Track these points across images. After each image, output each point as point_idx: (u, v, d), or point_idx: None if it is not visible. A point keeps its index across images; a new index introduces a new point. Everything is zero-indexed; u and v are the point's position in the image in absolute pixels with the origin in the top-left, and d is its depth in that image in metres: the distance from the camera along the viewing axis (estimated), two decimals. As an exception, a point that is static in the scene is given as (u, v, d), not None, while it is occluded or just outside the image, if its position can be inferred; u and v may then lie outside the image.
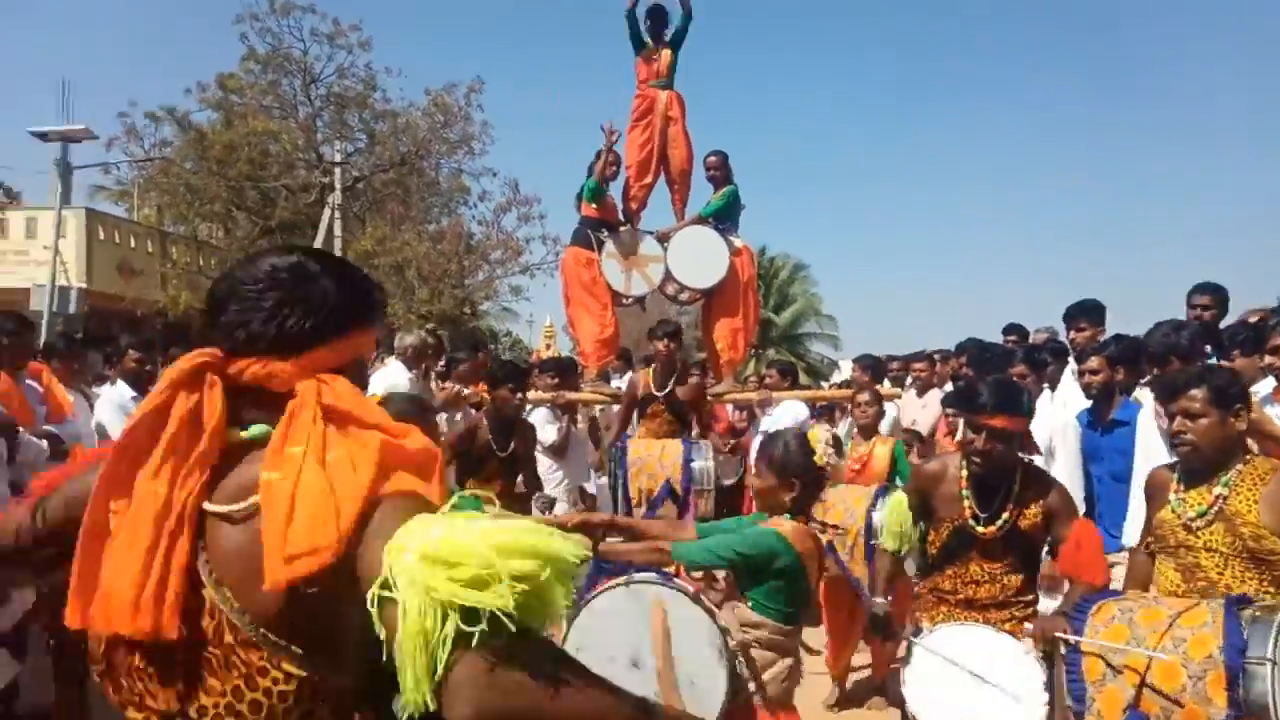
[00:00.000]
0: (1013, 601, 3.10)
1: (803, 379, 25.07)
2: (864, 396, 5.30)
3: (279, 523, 1.00)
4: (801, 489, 2.83)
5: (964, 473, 3.13)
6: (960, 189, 74.71)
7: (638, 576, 2.64)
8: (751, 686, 2.68)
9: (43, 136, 15.39)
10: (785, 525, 2.79)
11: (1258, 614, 2.28)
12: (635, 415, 6.00)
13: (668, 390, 5.73)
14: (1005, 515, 3.05)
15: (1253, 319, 4.38)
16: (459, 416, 5.72)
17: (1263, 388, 3.53)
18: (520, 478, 5.21)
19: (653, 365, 5.91)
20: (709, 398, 6.89)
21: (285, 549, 0.98)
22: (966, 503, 3.10)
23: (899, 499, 3.47)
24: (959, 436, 3.22)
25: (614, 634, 2.52)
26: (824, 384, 13.71)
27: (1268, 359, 3.52)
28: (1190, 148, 76.85)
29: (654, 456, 5.22)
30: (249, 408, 1.14)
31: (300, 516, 0.99)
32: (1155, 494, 2.88)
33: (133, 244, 21.07)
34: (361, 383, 1.25)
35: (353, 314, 1.20)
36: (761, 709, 2.70)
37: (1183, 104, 79.52)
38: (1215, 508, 2.61)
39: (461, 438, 4.99)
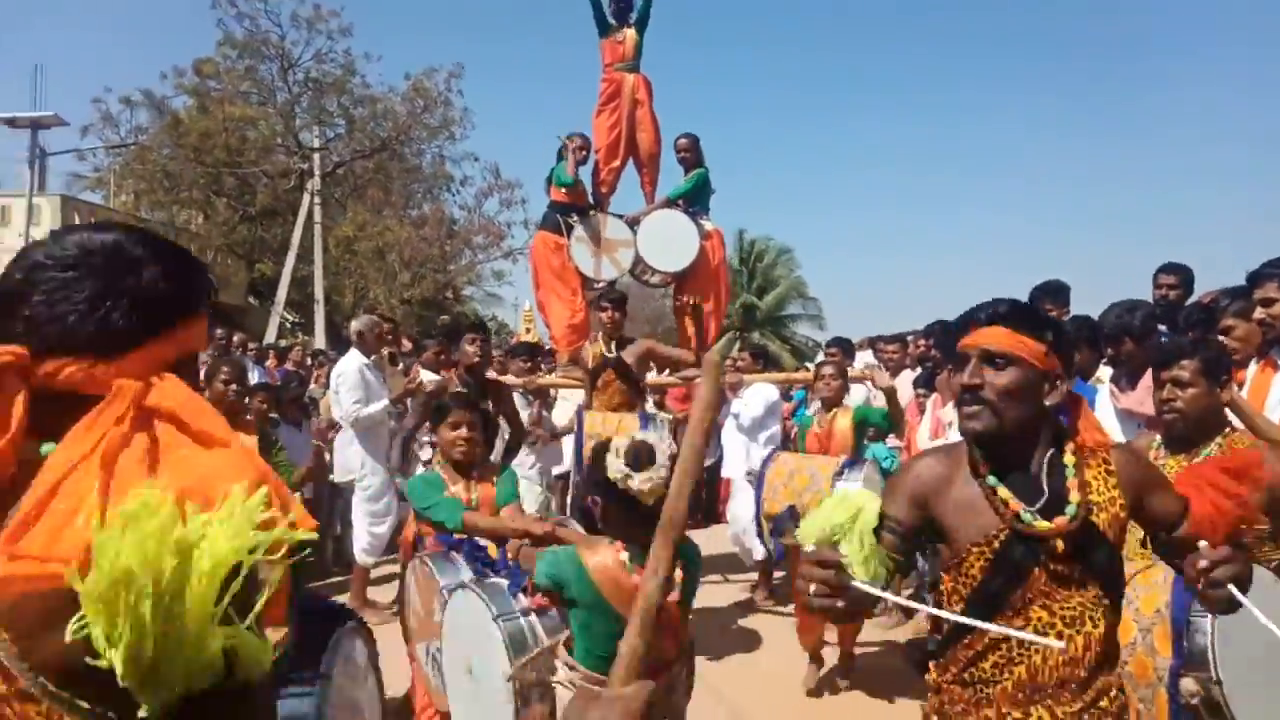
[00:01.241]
0: (1102, 667, 1.76)
1: (788, 360, 25.19)
2: (828, 370, 5.33)
3: (26, 509, 0.86)
4: (604, 508, 2.42)
5: (978, 452, 1.82)
6: (948, 172, 74.80)
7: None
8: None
9: (10, 123, 15.34)
10: (595, 548, 2.38)
11: None
12: (590, 389, 5.98)
13: (616, 358, 5.67)
14: (1075, 497, 1.75)
15: (1206, 300, 4.40)
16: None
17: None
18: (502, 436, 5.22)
19: (599, 336, 5.82)
20: (679, 380, 6.90)
21: (12, 544, 0.83)
22: (1001, 493, 1.76)
23: (865, 508, 1.77)
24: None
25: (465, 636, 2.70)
26: (808, 365, 13.76)
27: (1220, 339, 3.54)
28: (1174, 132, 77.13)
29: (610, 433, 5.19)
30: (60, 415, 0.95)
31: (50, 517, 0.85)
32: None
33: (109, 231, 20.93)
34: (193, 378, 1.12)
35: (181, 305, 1.07)
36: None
37: (1168, 90, 79.66)
38: None
39: (431, 396, 4.99)
